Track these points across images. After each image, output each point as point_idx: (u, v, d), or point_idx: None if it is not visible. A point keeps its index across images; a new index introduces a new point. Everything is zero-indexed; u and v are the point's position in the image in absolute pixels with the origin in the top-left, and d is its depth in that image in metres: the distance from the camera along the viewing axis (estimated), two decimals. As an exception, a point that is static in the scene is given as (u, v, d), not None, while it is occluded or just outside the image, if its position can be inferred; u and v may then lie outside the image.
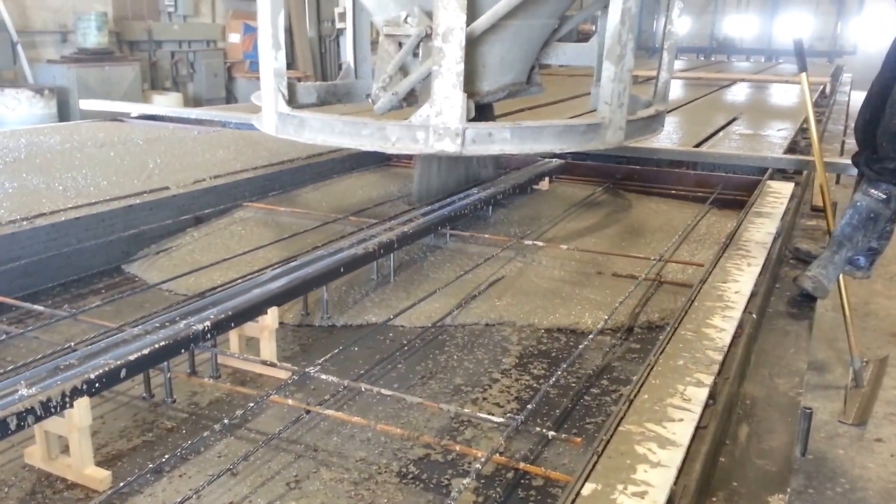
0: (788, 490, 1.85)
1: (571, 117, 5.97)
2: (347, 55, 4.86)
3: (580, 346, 2.55)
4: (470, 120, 3.40)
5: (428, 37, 3.55)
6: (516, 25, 3.68)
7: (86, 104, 7.42)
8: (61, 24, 12.22)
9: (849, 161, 4.65)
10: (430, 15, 3.53)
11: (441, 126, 3.36)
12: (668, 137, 5.97)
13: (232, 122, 6.57)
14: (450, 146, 3.39)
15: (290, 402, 2.22)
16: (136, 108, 7.20)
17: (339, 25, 16.24)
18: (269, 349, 2.53)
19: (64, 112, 11.06)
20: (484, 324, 2.96)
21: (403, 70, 3.76)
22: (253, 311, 2.48)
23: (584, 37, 4.82)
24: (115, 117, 6.90)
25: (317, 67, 16.48)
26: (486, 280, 3.30)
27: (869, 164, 3.32)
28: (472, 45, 3.32)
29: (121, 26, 13.26)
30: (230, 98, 15.21)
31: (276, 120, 3.75)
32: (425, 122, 3.38)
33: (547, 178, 4.99)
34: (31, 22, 11.81)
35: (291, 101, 3.84)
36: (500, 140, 3.48)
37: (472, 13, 3.27)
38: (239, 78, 15.30)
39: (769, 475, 1.90)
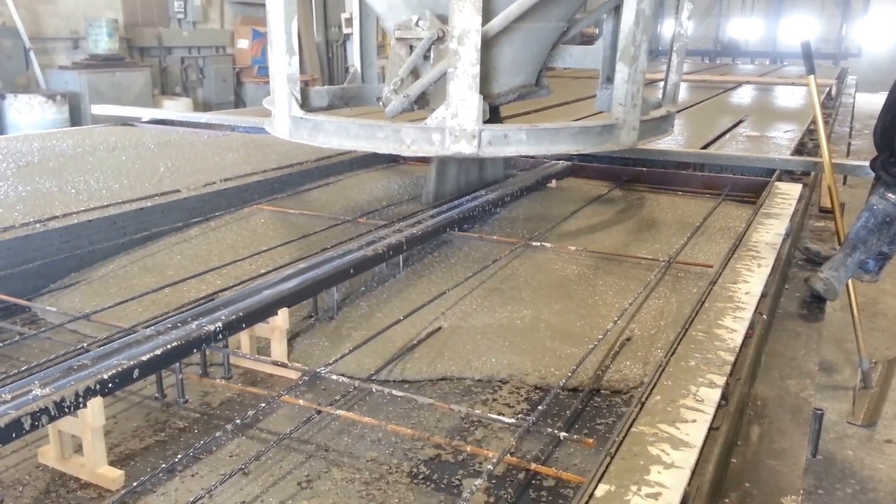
0: (801, 492, 1.85)
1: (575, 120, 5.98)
2: (354, 60, 4.88)
3: (590, 347, 2.55)
4: (484, 122, 3.42)
5: (440, 40, 3.57)
6: (527, 28, 3.69)
7: (97, 109, 7.46)
8: (73, 31, 12.29)
9: (856, 162, 4.67)
10: (441, 18, 3.55)
11: (457, 128, 3.38)
12: (674, 139, 5.98)
13: (241, 125, 6.60)
14: (466, 148, 3.41)
15: (300, 402, 2.23)
16: (146, 113, 7.24)
17: (345, 31, 16.33)
18: (279, 350, 2.54)
19: (76, 117, 11.13)
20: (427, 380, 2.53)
21: (415, 73, 3.78)
22: (264, 312, 2.49)
23: (586, 40, 4.84)
24: (126, 122, 6.93)
25: (324, 71, 16.55)
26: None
27: (886, 167, 3.32)
28: (485, 47, 3.34)
29: (131, 33, 13.33)
30: (239, 102, 15.28)
31: (289, 124, 3.77)
32: (441, 124, 3.40)
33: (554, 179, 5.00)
34: (43, 29, 11.88)
35: (304, 105, 3.86)
36: (515, 142, 3.50)
37: (486, 16, 3.29)
38: (247, 83, 15.37)
39: (781, 476, 1.90)
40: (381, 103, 3.95)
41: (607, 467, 1.62)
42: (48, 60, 11.94)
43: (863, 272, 3.45)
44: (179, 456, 1.97)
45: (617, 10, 4.30)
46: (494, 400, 2.37)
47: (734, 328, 2.34)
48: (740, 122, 7.50)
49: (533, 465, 1.94)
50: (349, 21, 15.70)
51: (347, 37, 16.41)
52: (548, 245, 3.70)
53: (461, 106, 3.37)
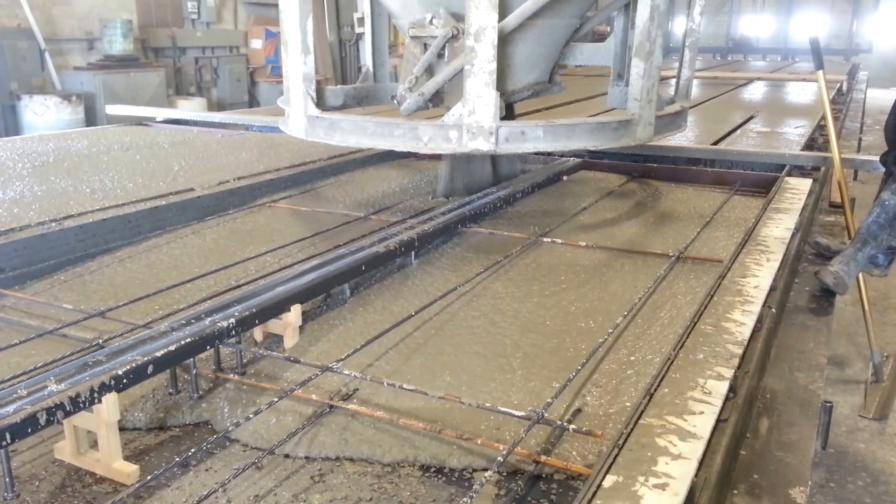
0: (809, 483, 1.86)
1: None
2: (366, 59, 4.91)
3: (599, 341, 2.56)
4: (500, 119, 3.43)
5: (454, 37, 3.59)
6: (541, 25, 3.71)
7: (112, 109, 7.52)
8: (87, 32, 12.38)
9: (866, 157, 4.66)
10: (455, 16, 3.56)
11: (474, 125, 3.39)
12: (685, 136, 5.97)
13: (255, 125, 6.64)
14: (483, 145, 3.42)
15: (313, 397, 2.24)
16: (161, 113, 7.30)
17: (358, 30, 16.37)
18: (291, 345, 2.57)
19: (91, 117, 11.22)
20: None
21: (429, 71, 3.80)
22: (276, 309, 2.52)
23: (598, 37, 4.86)
24: (141, 122, 6.99)
25: (336, 71, 16.60)
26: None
27: None
28: (500, 44, 3.36)
29: (145, 33, 13.42)
30: (253, 102, 15.37)
31: (305, 123, 3.79)
32: (458, 122, 3.41)
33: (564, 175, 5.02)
34: (58, 30, 11.97)
35: (319, 104, 3.88)
36: (533, 138, 3.51)
37: (501, 13, 3.30)
38: (261, 82, 15.46)
39: (790, 468, 1.91)
40: (395, 101, 3.97)
41: (615, 458, 1.63)
42: (63, 61, 12.03)
43: (872, 267, 3.45)
44: (193, 450, 1.99)
45: (628, 7, 4.32)
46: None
47: (743, 321, 2.35)
48: (751, 118, 7.50)
49: (542, 458, 1.96)
50: (361, 20, 15.75)
51: (360, 36, 16.47)
52: (558, 241, 3.71)
53: (478, 103, 3.38)
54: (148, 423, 2.19)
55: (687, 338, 2.24)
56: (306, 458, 2.03)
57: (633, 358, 2.49)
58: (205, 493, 1.80)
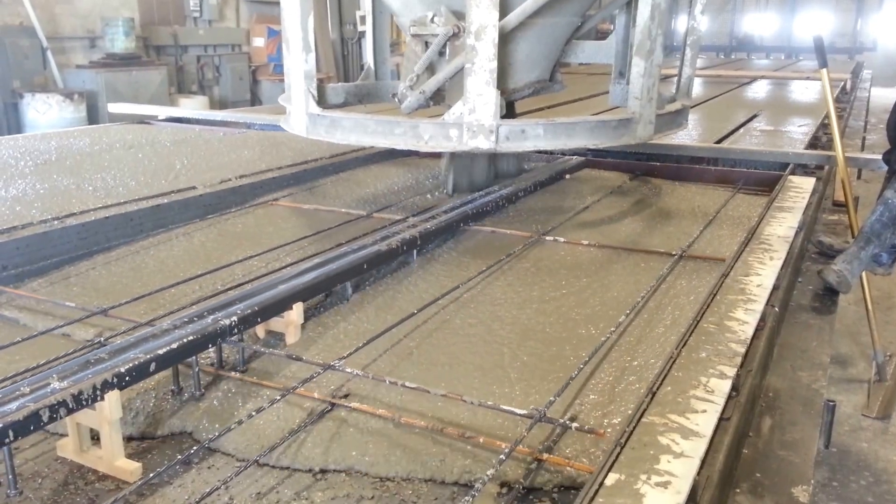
0: (812, 482, 1.86)
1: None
2: (367, 57, 4.91)
3: (602, 339, 2.56)
4: (500, 118, 3.43)
5: (455, 36, 3.59)
6: (542, 23, 3.71)
7: (114, 108, 7.53)
8: (89, 30, 12.38)
9: (870, 156, 4.66)
10: (457, 14, 3.56)
11: (475, 123, 3.39)
12: (688, 134, 5.97)
13: (257, 123, 6.65)
14: (484, 143, 3.41)
15: (315, 395, 2.24)
16: (163, 111, 7.31)
17: (360, 28, 16.39)
18: (293, 342, 2.57)
19: (93, 115, 11.22)
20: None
21: (430, 69, 3.80)
22: (278, 307, 2.52)
23: (602, 35, 4.87)
24: (143, 120, 7.00)
25: (339, 69, 16.60)
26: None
27: None
28: (501, 42, 3.36)
29: (147, 31, 13.42)
30: (255, 100, 15.37)
31: (306, 121, 3.79)
32: (459, 120, 3.41)
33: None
34: (60, 28, 11.98)
35: (320, 101, 3.88)
36: (533, 136, 3.50)
37: (501, 11, 3.30)
38: (263, 81, 15.47)
39: (793, 467, 1.91)
40: (396, 100, 3.97)
41: (617, 457, 1.63)
42: (65, 60, 12.04)
43: (876, 265, 3.44)
44: (195, 448, 1.99)
45: (629, 5, 4.32)
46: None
47: (746, 320, 2.35)
48: (754, 116, 7.49)
49: (545, 456, 1.96)
50: (364, 18, 15.77)
51: (362, 34, 16.47)
52: (561, 239, 3.71)
53: (478, 101, 3.38)
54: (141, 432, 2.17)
55: (690, 336, 2.23)
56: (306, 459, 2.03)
57: (635, 363, 2.49)
58: (207, 490, 1.80)
